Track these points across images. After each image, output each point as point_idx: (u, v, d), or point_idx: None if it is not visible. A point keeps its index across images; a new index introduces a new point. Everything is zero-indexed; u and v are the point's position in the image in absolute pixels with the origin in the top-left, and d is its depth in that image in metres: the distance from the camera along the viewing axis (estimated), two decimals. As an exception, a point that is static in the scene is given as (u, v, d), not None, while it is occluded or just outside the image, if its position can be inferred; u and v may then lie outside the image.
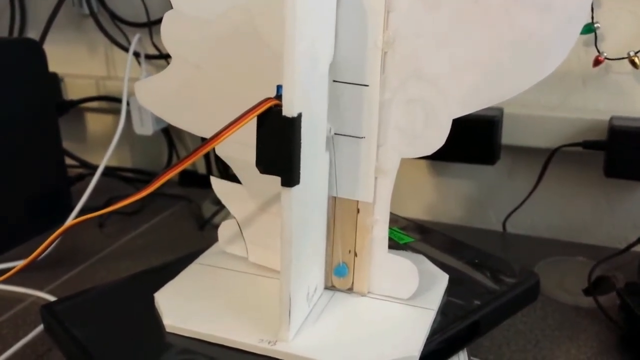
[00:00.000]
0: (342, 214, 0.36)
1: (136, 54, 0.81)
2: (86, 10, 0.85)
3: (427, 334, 0.35)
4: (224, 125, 0.30)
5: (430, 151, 0.33)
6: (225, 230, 0.42)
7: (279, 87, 0.30)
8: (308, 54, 0.30)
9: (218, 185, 0.41)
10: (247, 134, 0.31)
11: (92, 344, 0.34)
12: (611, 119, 0.63)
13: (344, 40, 0.33)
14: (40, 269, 0.64)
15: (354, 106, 0.33)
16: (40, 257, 0.65)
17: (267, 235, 0.39)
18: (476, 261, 0.44)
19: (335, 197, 0.36)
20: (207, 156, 0.86)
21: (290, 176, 0.29)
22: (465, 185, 0.74)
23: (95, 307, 0.38)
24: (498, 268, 0.44)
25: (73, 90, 0.88)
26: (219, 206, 0.76)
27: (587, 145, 0.65)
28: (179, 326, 0.35)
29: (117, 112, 0.90)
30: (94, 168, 0.87)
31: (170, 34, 0.36)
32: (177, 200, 0.82)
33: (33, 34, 0.93)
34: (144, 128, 0.79)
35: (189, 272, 0.41)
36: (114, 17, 0.83)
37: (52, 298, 0.57)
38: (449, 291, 0.39)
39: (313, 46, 0.30)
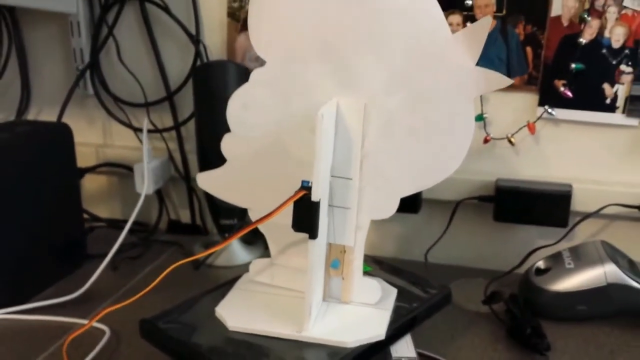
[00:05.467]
0: (334, 252, 0.59)
1: (137, 129, 1.01)
2: (90, 92, 1.03)
3: (388, 324, 0.58)
4: (274, 208, 0.52)
5: (387, 216, 0.57)
6: (254, 265, 0.64)
7: (304, 181, 0.53)
8: (325, 165, 0.53)
9: (265, 228, 0.61)
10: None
11: (186, 341, 0.55)
12: (497, 180, 0.87)
13: (338, 152, 0.56)
14: (79, 304, 0.78)
15: (343, 190, 0.57)
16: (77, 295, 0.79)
17: (288, 262, 0.60)
18: (412, 280, 0.68)
19: (330, 243, 0.59)
20: (192, 208, 1.05)
21: (314, 233, 0.52)
22: (397, 228, 0.96)
23: (179, 318, 0.58)
24: (425, 284, 0.67)
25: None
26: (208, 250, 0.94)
27: (481, 198, 0.88)
28: (238, 326, 0.56)
29: (115, 174, 1.08)
30: (100, 220, 1.04)
31: (228, 147, 0.58)
32: (170, 246, 0.98)
33: (34, 111, 1.09)
34: (145, 189, 0.97)
35: (233, 294, 0.62)
36: (116, 99, 1.02)
37: (100, 326, 0.71)
38: (397, 299, 0.62)
39: (327, 161, 0.53)
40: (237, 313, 0.58)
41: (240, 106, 0.56)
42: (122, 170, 1.04)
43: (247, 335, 0.55)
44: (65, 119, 0.98)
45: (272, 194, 0.54)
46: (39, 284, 0.82)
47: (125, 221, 1.04)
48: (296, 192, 0.52)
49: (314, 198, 0.51)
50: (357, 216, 0.57)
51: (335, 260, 0.59)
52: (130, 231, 1.02)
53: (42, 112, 1.09)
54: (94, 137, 1.08)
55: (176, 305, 0.60)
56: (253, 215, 0.61)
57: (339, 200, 0.57)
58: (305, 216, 0.51)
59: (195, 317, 0.58)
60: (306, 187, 0.52)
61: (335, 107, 0.54)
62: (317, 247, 0.53)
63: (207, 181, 0.60)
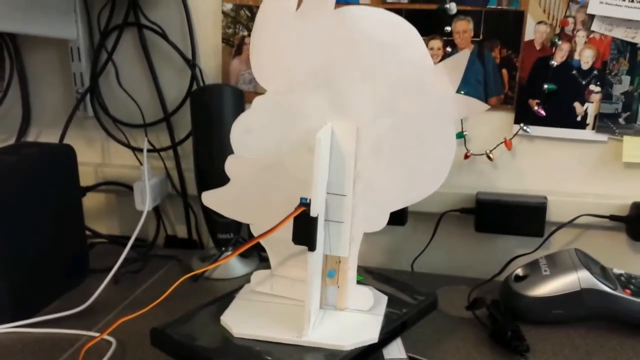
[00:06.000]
0: (330, 263, 0.64)
1: (135, 149, 1.05)
2: (90, 114, 1.08)
3: (380, 328, 0.63)
4: (275, 223, 0.57)
5: (378, 229, 0.62)
6: (255, 277, 0.69)
7: (302, 198, 0.58)
8: (322, 184, 0.58)
9: (266, 242, 0.66)
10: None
11: (195, 347, 0.59)
12: (477, 193, 0.93)
13: (333, 172, 0.61)
14: (84, 316, 0.82)
15: (338, 206, 0.62)
16: (82, 308, 0.83)
17: (288, 273, 0.66)
18: (401, 288, 0.73)
19: (327, 255, 0.64)
20: (188, 223, 1.09)
21: (312, 246, 0.57)
22: (385, 240, 1.01)
23: (187, 326, 0.63)
24: (413, 291, 0.73)
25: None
26: (206, 263, 0.99)
27: (463, 211, 0.93)
28: (242, 332, 0.61)
29: (113, 192, 1.12)
30: (100, 236, 1.08)
31: (231, 167, 0.63)
32: (168, 260, 1.02)
33: (34, 133, 1.13)
34: (144, 206, 1.00)
35: (236, 303, 0.66)
36: (115, 120, 1.06)
37: (107, 337, 0.74)
38: (388, 305, 0.68)
39: (323, 179, 0.59)
40: (241, 321, 0.63)
41: (243, 130, 0.62)
42: (120, 188, 1.08)
43: (251, 341, 0.60)
44: (65, 140, 1.03)
45: (272, 210, 0.60)
46: (45, 298, 0.86)
47: (124, 237, 1.10)
48: (296, 208, 0.57)
49: (312, 214, 0.56)
50: (351, 229, 0.63)
51: (331, 270, 0.64)
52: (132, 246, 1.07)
53: (42, 134, 1.13)
54: (93, 156, 1.12)
55: (183, 315, 0.65)
56: (255, 230, 0.66)
57: (334, 215, 0.62)
58: (305, 230, 0.57)
59: (202, 325, 0.63)
60: (305, 204, 0.57)
61: (330, 131, 0.60)
62: (316, 259, 0.58)
63: (212, 199, 0.65)
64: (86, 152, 1.12)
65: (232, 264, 0.97)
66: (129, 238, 1.08)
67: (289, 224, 0.58)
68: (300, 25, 0.58)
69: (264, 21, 0.60)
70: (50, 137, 1.12)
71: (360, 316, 0.64)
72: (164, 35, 1.01)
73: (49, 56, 1.08)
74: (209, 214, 0.95)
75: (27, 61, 1.10)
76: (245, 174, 0.63)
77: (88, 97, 1.06)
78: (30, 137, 1.14)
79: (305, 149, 0.59)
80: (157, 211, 1.09)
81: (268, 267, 0.70)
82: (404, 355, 0.64)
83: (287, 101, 0.61)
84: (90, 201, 1.13)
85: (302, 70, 0.60)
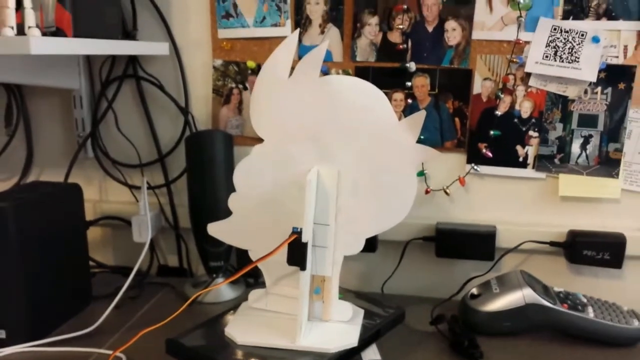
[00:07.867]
0: (316, 281, 0.77)
1: (133, 186, 1.16)
2: (90, 155, 1.19)
3: (358, 335, 0.75)
4: (272, 249, 0.70)
5: (356, 252, 0.76)
6: (252, 295, 0.81)
7: (294, 228, 0.71)
8: (311, 215, 0.71)
9: (262, 265, 0.78)
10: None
11: (206, 354, 0.71)
12: (437, 223, 1.05)
13: (319, 206, 0.75)
14: (93, 336, 0.91)
15: (323, 234, 0.75)
16: (91, 329, 0.93)
17: (281, 291, 0.78)
18: (374, 303, 0.86)
19: (313, 274, 0.77)
20: (179, 253, 1.20)
21: (304, 266, 0.70)
22: (359, 265, 1.13)
23: (198, 337, 0.74)
24: (384, 306, 0.85)
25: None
26: (198, 289, 1.08)
27: (425, 239, 1.05)
28: (245, 340, 0.73)
29: (110, 226, 1.22)
30: (102, 266, 1.17)
31: (233, 203, 0.76)
32: (162, 287, 1.11)
33: (36, 172, 1.23)
34: (142, 238, 1.10)
35: (237, 317, 0.78)
36: (114, 162, 1.17)
37: (118, 354, 0.82)
38: (364, 317, 0.80)
39: (312, 212, 0.72)
40: (243, 331, 0.74)
41: (245, 173, 0.75)
42: (117, 223, 1.19)
43: (254, 347, 0.72)
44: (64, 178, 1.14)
45: (268, 238, 0.72)
46: (56, 321, 0.96)
47: (120, 266, 1.20)
48: (290, 236, 0.70)
49: (303, 240, 0.69)
50: (334, 253, 0.76)
51: (317, 287, 0.77)
52: (125, 274, 1.15)
53: (43, 173, 1.23)
54: (91, 193, 1.22)
55: (192, 329, 0.77)
56: (253, 255, 0.78)
57: (319, 241, 0.75)
58: (297, 254, 0.69)
59: (210, 336, 0.75)
60: (297, 232, 0.70)
61: (316, 173, 0.73)
62: (306, 277, 0.71)
63: (217, 230, 0.78)
64: (85, 189, 1.19)
65: (222, 289, 1.07)
66: (124, 267, 1.20)
67: (283, 249, 0.70)
68: (291, 90, 0.73)
69: (262, 86, 0.74)
70: (50, 176, 1.21)
71: (341, 326, 0.77)
72: (160, 87, 1.13)
73: (52, 103, 1.19)
74: (202, 243, 1.06)
75: (32, 108, 1.19)
76: (246, 208, 0.76)
77: (89, 140, 1.17)
78: (32, 177, 1.23)
79: (297, 188, 0.73)
80: (150, 242, 1.18)
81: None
82: (378, 356, 0.76)
83: (281, 149, 0.74)
84: (90, 234, 1.22)
85: (293, 125, 0.73)
